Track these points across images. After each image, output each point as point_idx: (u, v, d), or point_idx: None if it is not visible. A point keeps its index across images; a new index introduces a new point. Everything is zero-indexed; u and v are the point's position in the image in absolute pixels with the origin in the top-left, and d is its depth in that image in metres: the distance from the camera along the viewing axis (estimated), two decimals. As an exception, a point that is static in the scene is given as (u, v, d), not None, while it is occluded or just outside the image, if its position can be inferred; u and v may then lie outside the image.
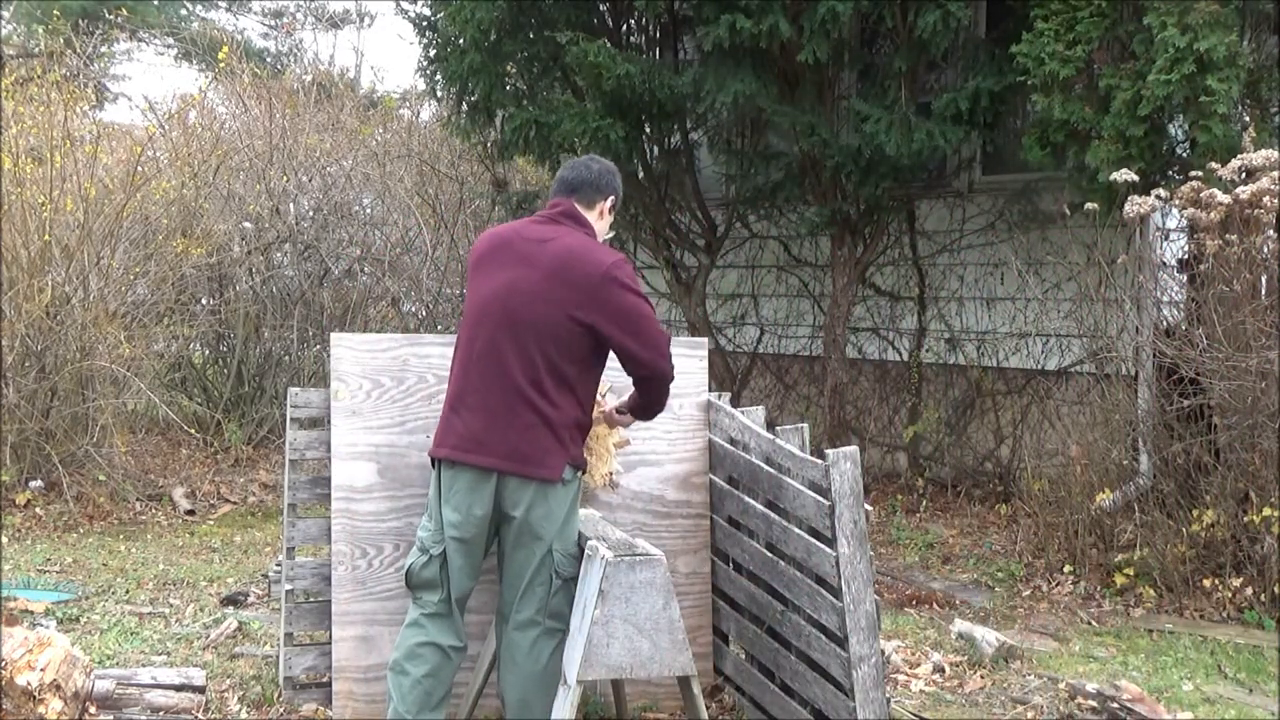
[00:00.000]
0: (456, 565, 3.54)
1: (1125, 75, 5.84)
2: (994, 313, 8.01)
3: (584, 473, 3.74)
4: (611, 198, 3.72)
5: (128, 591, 5.62)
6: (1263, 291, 5.54)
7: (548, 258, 3.50)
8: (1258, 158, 5.36)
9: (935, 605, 5.81)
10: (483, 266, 3.59)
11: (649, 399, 3.76)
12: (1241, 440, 5.56)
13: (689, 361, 4.45)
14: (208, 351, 9.87)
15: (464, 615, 3.65)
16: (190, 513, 7.32)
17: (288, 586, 4.17)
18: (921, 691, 4.56)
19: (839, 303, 7.79)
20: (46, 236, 7.22)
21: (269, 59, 20.17)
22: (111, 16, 15.95)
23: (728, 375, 8.72)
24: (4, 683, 3.71)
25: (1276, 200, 5.32)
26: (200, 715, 4.07)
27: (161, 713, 4.02)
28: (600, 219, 3.70)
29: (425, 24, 8.57)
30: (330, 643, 4.06)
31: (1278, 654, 5.01)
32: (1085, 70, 6.05)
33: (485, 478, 3.47)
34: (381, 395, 4.15)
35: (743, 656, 4.28)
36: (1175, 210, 5.92)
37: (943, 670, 4.77)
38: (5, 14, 17.56)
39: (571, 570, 3.56)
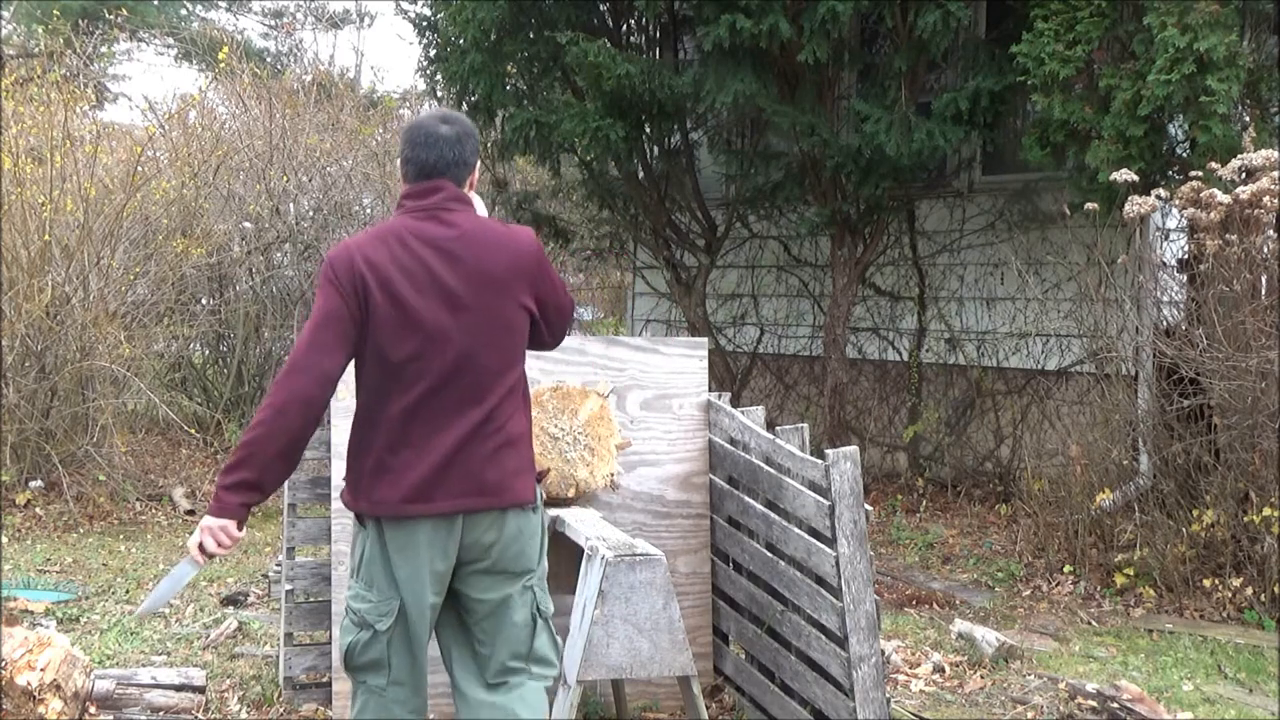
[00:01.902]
0: (417, 635, 2.97)
1: (1125, 75, 5.84)
2: (994, 313, 8.01)
3: (542, 484, 3.42)
4: (477, 168, 3.16)
5: (128, 591, 5.62)
6: (1263, 291, 5.54)
7: (473, 253, 2.94)
8: (1258, 158, 5.36)
9: (935, 605, 5.81)
10: (391, 290, 2.88)
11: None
12: (1241, 440, 5.56)
13: (689, 361, 4.45)
14: (208, 351, 9.87)
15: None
16: (190, 513, 7.32)
17: (288, 586, 4.17)
18: (921, 691, 4.56)
19: (839, 303, 7.79)
20: (46, 236, 7.22)
21: (269, 59, 20.16)
22: (111, 16, 15.94)
23: (728, 375, 8.72)
24: (4, 683, 3.71)
25: (1276, 200, 5.32)
26: (200, 715, 4.07)
27: (161, 713, 4.02)
28: (471, 193, 3.14)
29: (425, 24, 8.57)
30: (330, 643, 4.06)
31: (1278, 654, 5.01)
32: (1085, 70, 6.06)
33: (448, 524, 2.92)
34: (381, 395, 4.15)
35: (743, 656, 4.28)
36: (1175, 210, 5.92)
37: (943, 670, 4.77)
38: (5, 14, 17.56)
39: (550, 605, 3.10)
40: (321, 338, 2.87)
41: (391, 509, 2.92)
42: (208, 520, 2.86)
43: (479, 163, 3.16)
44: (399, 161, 3.08)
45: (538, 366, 4.28)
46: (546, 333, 3.11)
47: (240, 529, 2.89)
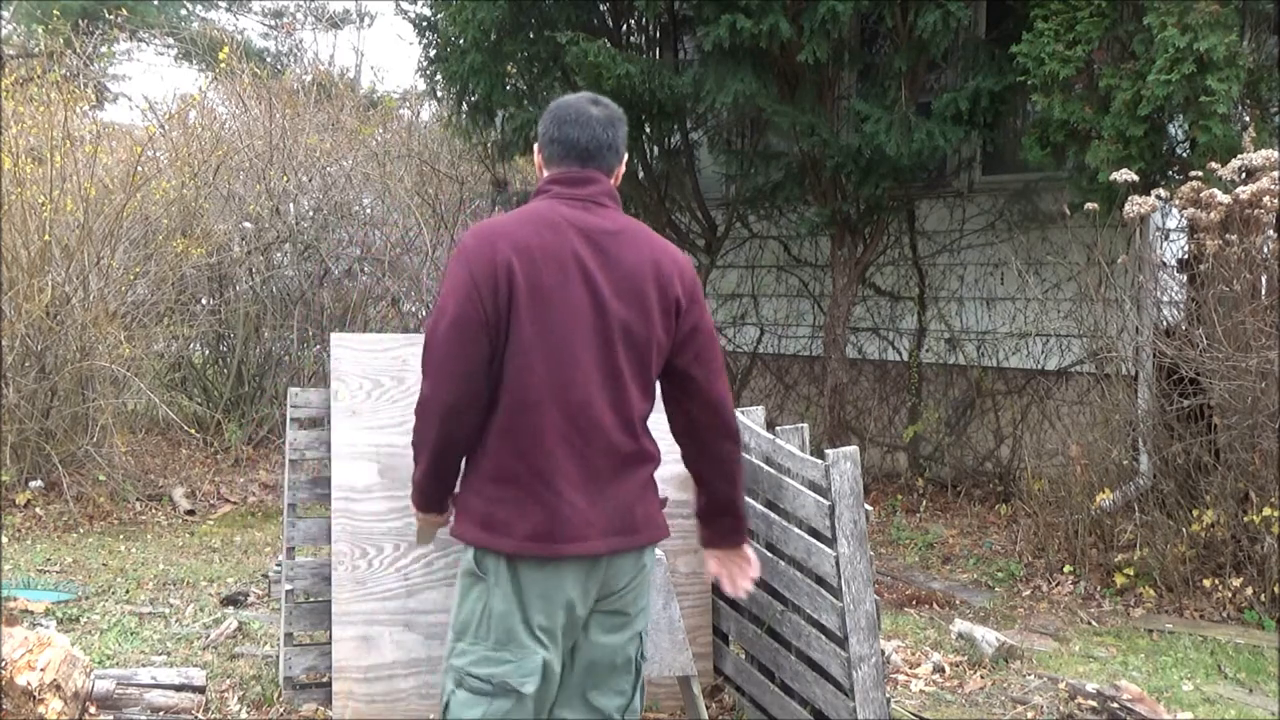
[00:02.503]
0: (549, 695, 2.64)
1: (1125, 75, 5.84)
2: (994, 313, 8.01)
3: None
4: (625, 158, 2.79)
5: (128, 591, 5.62)
6: (1263, 291, 5.55)
7: (630, 257, 2.58)
8: (1258, 158, 5.36)
9: (935, 605, 5.81)
10: (539, 283, 2.52)
11: (717, 455, 2.79)
12: (1241, 440, 5.56)
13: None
14: (208, 351, 9.87)
15: None
16: (190, 513, 7.32)
17: (288, 586, 4.17)
18: (921, 691, 4.56)
19: (839, 303, 7.79)
20: (46, 236, 7.22)
21: (269, 59, 20.16)
22: (111, 16, 15.93)
23: (728, 375, 8.71)
24: (4, 683, 3.71)
25: (1276, 200, 5.32)
26: (200, 715, 4.07)
27: (161, 713, 4.02)
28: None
29: (425, 24, 8.58)
30: (330, 643, 4.06)
31: (1278, 654, 5.01)
32: (1085, 70, 6.06)
33: (594, 565, 2.59)
34: (381, 395, 4.15)
35: (743, 656, 4.28)
36: (1175, 210, 5.92)
37: (943, 670, 4.77)
38: (5, 14, 17.56)
39: (645, 651, 2.84)
40: (456, 346, 2.52)
41: (538, 548, 2.52)
42: (416, 513, 2.85)
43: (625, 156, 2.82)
44: (538, 145, 2.72)
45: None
46: (695, 367, 2.68)
47: (442, 514, 2.79)
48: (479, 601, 2.57)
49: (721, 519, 2.86)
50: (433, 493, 2.72)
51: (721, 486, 2.81)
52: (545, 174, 2.69)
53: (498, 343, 2.51)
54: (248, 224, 9.33)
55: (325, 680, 4.14)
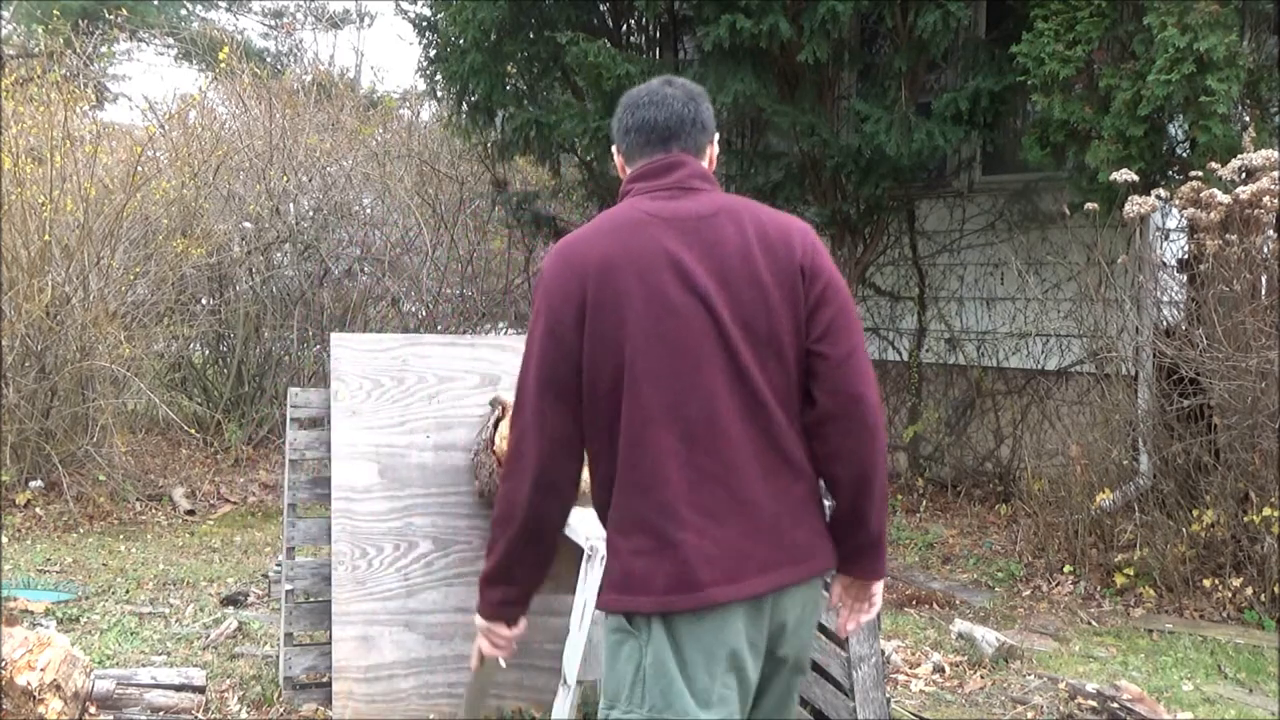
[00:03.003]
0: None
1: (1125, 75, 5.84)
2: (994, 313, 8.01)
3: None
4: (715, 142, 2.41)
5: (128, 591, 5.62)
6: (1263, 291, 5.55)
7: (734, 237, 2.22)
8: (1258, 158, 5.36)
9: (935, 605, 5.81)
10: (630, 295, 2.16)
11: (859, 454, 2.28)
12: (1241, 440, 5.56)
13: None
14: (208, 351, 9.87)
15: None
16: (190, 513, 7.32)
17: (288, 586, 4.17)
18: (921, 691, 4.56)
19: (839, 303, 7.78)
20: (46, 236, 7.22)
21: (269, 59, 20.16)
22: (111, 16, 15.93)
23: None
24: (4, 683, 3.71)
25: (1276, 200, 5.32)
26: (200, 715, 4.07)
27: (161, 713, 4.02)
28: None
29: (425, 24, 8.58)
30: (330, 643, 4.06)
31: (1278, 654, 5.01)
32: (1085, 70, 6.06)
33: (758, 608, 2.20)
34: (381, 395, 4.15)
35: (743, 656, 4.28)
36: (1175, 210, 5.92)
37: (943, 670, 4.77)
38: (5, 14, 17.56)
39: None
40: (549, 398, 2.19)
41: (685, 600, 2.13)
42: (478, 621, 2.41)
43: (715, 134, 2.42)
44: (615, 145, 2.39)
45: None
46: (824, 344, 2.23)
47: (511, 627, 2.39)
48: (630, 662, 2.19)
49: (854, 537, 2.32)
50: (510, 590, 2.31)
51: (857, 499, 2.29)
52: (633, 167, 2.33)
53: (599, 382, 2.16)
54: (248, 224, 9.33)
55: (325, 680, 4.13)
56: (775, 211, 2.34)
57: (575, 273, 2.18)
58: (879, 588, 2.42)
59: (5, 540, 6.38)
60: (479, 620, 2.39)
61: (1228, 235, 5.41)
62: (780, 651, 2.28)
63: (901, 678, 4.67)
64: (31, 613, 5.08)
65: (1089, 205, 6.00)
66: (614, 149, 2.40)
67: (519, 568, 2.33)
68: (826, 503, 2.36)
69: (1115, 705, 4.22)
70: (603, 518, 2.27)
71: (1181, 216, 5.82)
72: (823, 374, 2.23)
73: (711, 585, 2.13)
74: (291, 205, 9.83)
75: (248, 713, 4.16)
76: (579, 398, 2.18)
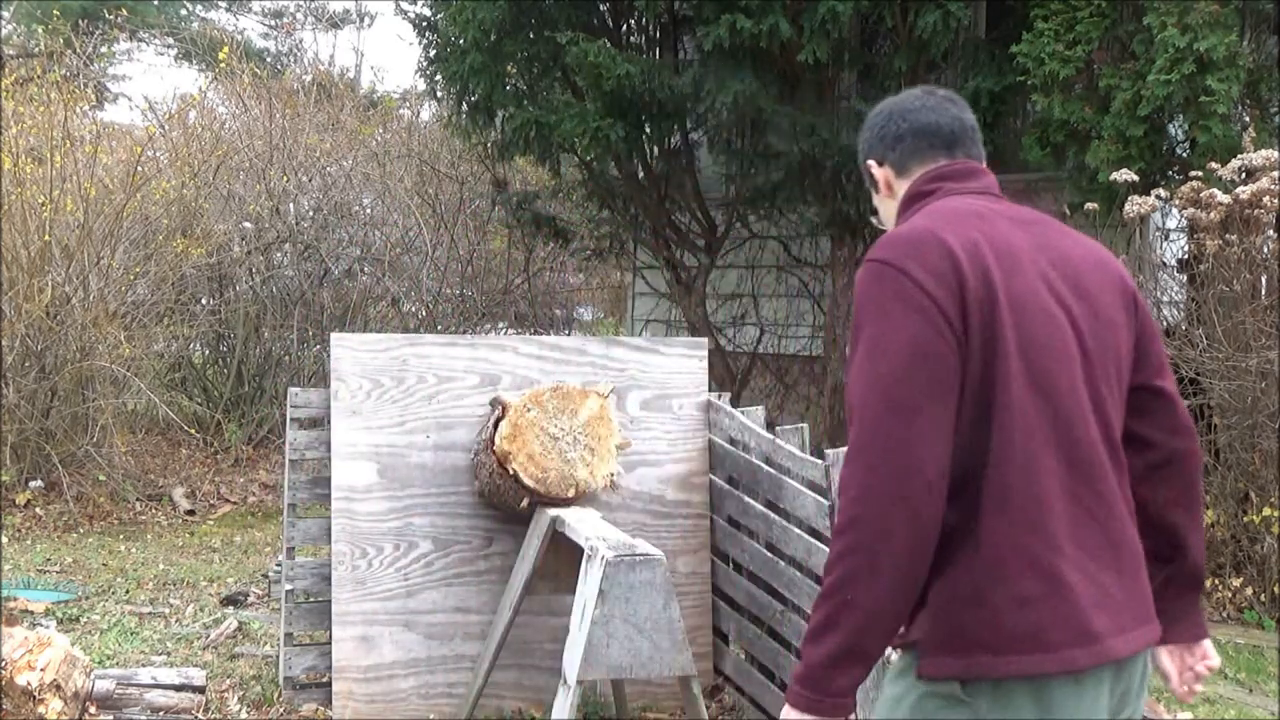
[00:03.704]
0: None
1: (1125, 75, 5.85)
2: (994, 313, 8.01)
3: None
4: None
5: (128, 591, 5.62)
6: (1263, 291, 5.55)
7: (1075, 249, 1.95)
8: (1258, 158, 5.36)
9: (935, 605, 5.80)
10: (1008, 282, 1.81)
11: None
12: (1241, 440, 5.56)
13: (689, 361, 4.45)
14: (208, 351, 9.87)
15: None
16: (190, 513, 7.32)
17: (288, 586, 4.17)
18: (921, 691, 4.56)
19: (839, 303, 7.79)
20: (46, 236, 7.22)
21: (269, 59, 20.17)
22: (111, 16, 15.95)
23: (728, 375, 8.72)
24: (4, 683, 3.71)
25: (1276, 200, 5.32)
26: (200, 715, 4.07)
27: (161, 713, 4.02)
28: None
29: (425, 24, 8.57)
30: (330, 643, 4.06)
31: (1278, 654, 5.01)
32: (1085, 70, 6.06)
33: (1119, 673, 1.83)
34: (381, 395, 4.15)
35: (743, 656, 4.28)
36: (1175, 210, 5.92)
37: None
38: (5, 14, 17.56)
39: None
40: (921, 403, 1.73)
41: (1089, 655, 1.74)
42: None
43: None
44: (876, 157, 2.07)
45: (537, 367, 4.29)
46: (1161, 378, 1.98)
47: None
48: None
49: (1191, 593, 2.01)
50: (864, 669, 1.76)
51: (1198, 544, 2.00)
52: (911, 178, 2.02)
53: (975, 385, 1.76)
54: (248, 224, 9.33)
55: (325, 680, 4.14)
56: (1081, 235, 2.06)
57: (944, 252, 1.78)
58: (1209, 643, 2.05)
59: (5, 540, 6.38)
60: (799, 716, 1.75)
61: (1228, 235, 5.41)
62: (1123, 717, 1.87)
63: (901, 678, 4.67)
64: (31, 613, 5.08)
65: (1089, 205, 6.00)
66: (869, 162, 2.07)
67: (881, 632, 1.74)
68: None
69: (1115, 705, 4.22)
70: (948, 555, 1.78)
71: (1181, 216, 5.82)
72: (1162, 411, 1.98)
73: (1107, 636, 1.76)
74: (291, 205, 9.83)
75: (248, 713, 4.16)
76: (955, 400, 1.75)
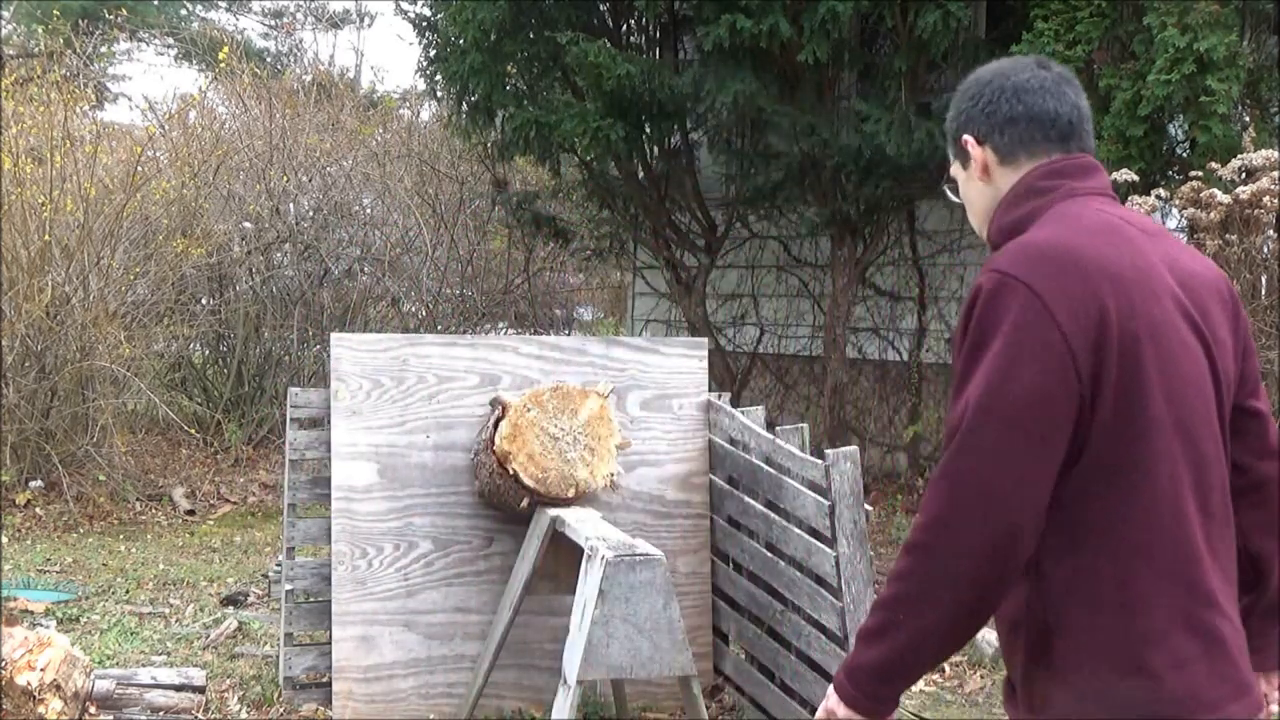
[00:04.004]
0: None
1: (1125, 75, 5.85)
2: (994, 313, 8.01)
3: None
4: None
5: (128, 591, 5.62)
6: (1263, 291, 5.54)
7: (1196, 265, 1.81)
8: (1258, 158, 5.36)
9: (935, 605, 5.80)
10: (1149, 315, 1.67)
11: None
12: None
13: (689, 361, 4.45)
14: (208, 351, 9.87)
15: None
16: (190, 513, 7.32)
17: (288, 586, 4.17)
18: (921, 691, 4.56)
19: (839, 303, 7.79)
20: (46, 236, 7.22)
21: (269, 59, 20.17)
22: (111, 16, 15.95)
23: (728, 375, 8.72)
24: (4, 683, 3.71)
25: (1276, 200, 5.32)
26: (200, 715, 4.07)
27: (161, 713, 4.02)
28: None
29: (425, 24, 8.57)
30: (330, 643, 4.06)
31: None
32: (1085, 70, 6.05)
33: None
34: (381, 395, 4.15)
35: (743, 656, 4.28)
36: (1175, 210, 5.92)
37: (943, 670, 4.77)
38: (5, 14, 17.56)
39: None
40: (1032, 439, 1.61)
41: (1244, 709, 1.67)
42: (841, 712, 1.75)
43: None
44: (976, 132, 1.88)
45: (537, 367, 4.29)
46: (1259, 399, 1.87)
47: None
48: None
49: (1273, 623, 1.89)
50: (895, 682, 1.72)
51: None
52: (1018, 169, 1.84)
53: (1109, 419, 1.63)
54: (248, 224, 9.33)
55: (325, 680, 4.14)
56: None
57: (1085, 277, 1.63)
58: None
59: (5, 540, 6.38)
60: (843, 711, 1.74)
61: (1228, 235, 5.41)
62: None
63: (901, 678, 4.67)
64: (31, 613, 5.08)
65: (1089, 205, 6.00)
66: (966, 138, 1.89)
67: (929, 654, 1.72)
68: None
69: (1115, 705, 4.22)
70: (1065, 624, 1.65)
71: (1181, 216, 5.82)
72: (1254, 433, 1.86)
73: (1253, 685, 1.69)
74: (291, 205, 9.83)
75: (248, 713, 4.16)
76: (1067, 440, 1.62)
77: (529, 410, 3.90)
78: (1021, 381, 1.60)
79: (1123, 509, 1.63)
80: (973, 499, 1.60)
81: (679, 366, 4.44)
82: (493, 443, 3.91)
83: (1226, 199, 5.34)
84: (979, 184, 1.89)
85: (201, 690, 4.11)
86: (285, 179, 9.61)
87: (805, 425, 4.11)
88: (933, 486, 1.65)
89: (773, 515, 3.93)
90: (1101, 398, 1.61)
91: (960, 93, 1.92)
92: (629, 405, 4.34)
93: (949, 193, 2.00)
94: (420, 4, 8.94)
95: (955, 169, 1.94)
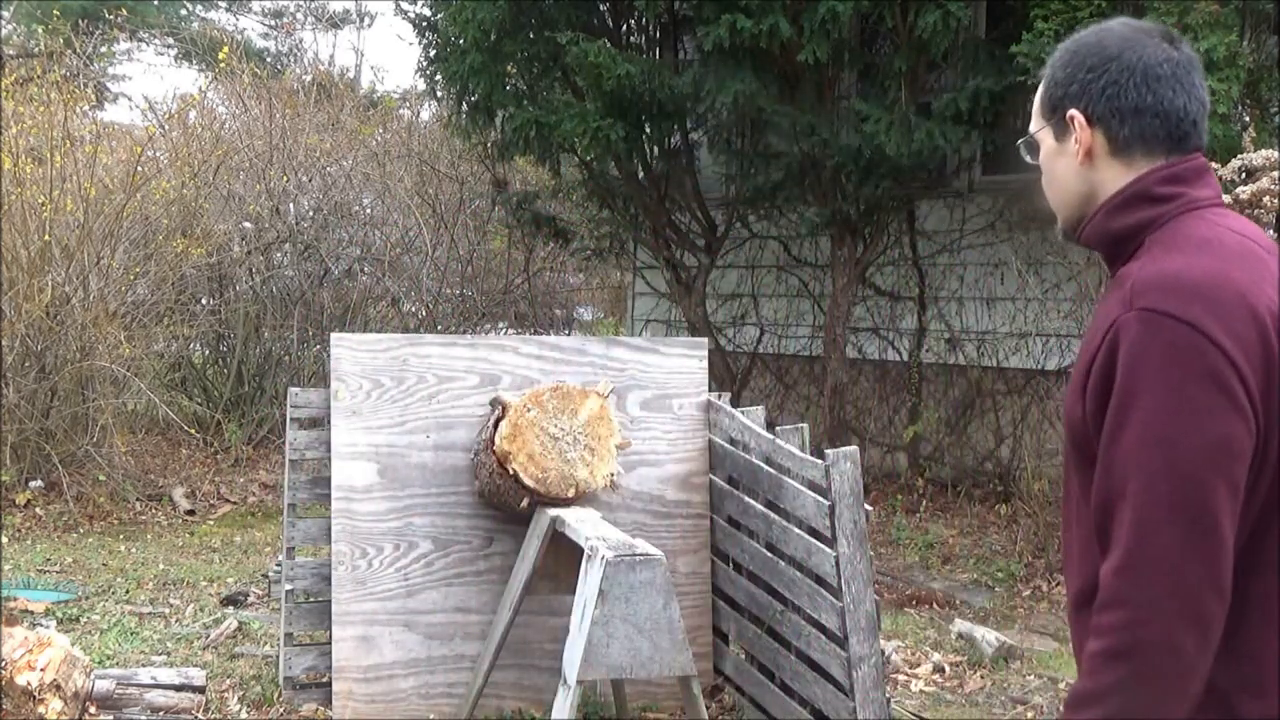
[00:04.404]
0: None
1: (1125, 75, 5.85)
2: (994, 313, 8.01)
3: None
4: None
5: (128, 591, 5.62)
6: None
7: None
8: (1258, 158, 5.36)
9: (935, 605, 5.80)
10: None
11: None
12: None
13: (689, 361, 4.45)
14: (208, 351, 9.87)
15: None
16: (190, 513, 7.32)
17: (288, 586, 4.17)
18: (921, 691, 4.56)
19: (839, 303, 7.79)
20: (46, 236, 7.22)
21: (269, 59, 20.17)
22: (111, 16, 15.94)
23: (728, 375, 8.72)
24: (4, 683, 3.71)
25: (1276, 200, 5.32)
26: (200, 715, 4.07)
27: (161, 713, 4.02)
28: None
29: (425, 24, 8.57)
30: (330, 643, 4.06)
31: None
32: (1085, 70, 6.06)
33: None
34: (381, 395, 4.15)
35: (743, 656, 4.29)
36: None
37: (943, 670, 4.77)
38: (5, 14, 17.56)
39: None
40: (1211, 503, 1.44)
41: None
42: None
43: None
44: (1089, 110, 1.64)
45: (537, 367, 4.29)
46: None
47: None
48: None
49: None
50: None
51: None
52: (1131, 165, 1.64)
53: (1269, 473, 1.49)
54: (248, 224, 9.33)
55: (325, 680, 4.14)
56: None
57: (1252, 318, 1.46)
58: None
59: (5, 540, 6.37)
60: None
61: (1228, 235, 5.42)
62: None
63: (901, 678, 4.68)
64: (31, 613, 5.08)
65: (1089, 205, 6.00)
66: (1074, 112, 1.65)
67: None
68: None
69: (1115, 705, 4.22)
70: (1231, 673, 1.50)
71: (1181, 216, 5.82)
72: None
73: None
74: (291, 205, 9.83)
75: (248, 713, 4.16)
76: (1242, 491, 1.46)
77: (529, 410, 3.90)
78: (1203, 436, 1.43)
79: (1263, 549, 1.51)
80: (1172, 582, 1.43)
81: (679, 366, 4.44)
82: (493, 443, 3.91)
83: (1227, 199, 5.35)
84: (1076, 166, 1.68)
85: (201, 690, 4.11)
86: (285, 179, 9.61)
87: (805, 425, 4.11)
88: (1120, 575, 1.45)
89: (773, 515, 3.93)
90: (1266, 437, 1.47)
91: (1073, 55, 1.67)
92: (629, 405, 4.34)
93: (1023, 151, 1.78)
94: (420, 4, 8.94)
95: (1044, 134, 1.71)
